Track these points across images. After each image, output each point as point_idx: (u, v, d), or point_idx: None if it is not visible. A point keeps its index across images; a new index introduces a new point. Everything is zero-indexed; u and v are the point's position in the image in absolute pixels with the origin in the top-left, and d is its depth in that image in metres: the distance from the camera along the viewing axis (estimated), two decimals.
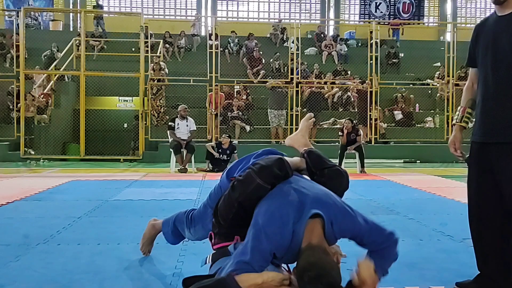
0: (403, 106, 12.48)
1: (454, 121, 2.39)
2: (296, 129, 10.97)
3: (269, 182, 2.01)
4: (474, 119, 2.34)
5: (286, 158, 2.18)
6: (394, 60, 14.66)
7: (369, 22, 17.03)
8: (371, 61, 11.90)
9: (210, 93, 11.15)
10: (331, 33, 17.57)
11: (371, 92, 11.62)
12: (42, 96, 11.31)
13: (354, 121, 8.94)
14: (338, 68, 13.38)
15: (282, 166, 2.05)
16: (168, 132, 8.77)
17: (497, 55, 2.13)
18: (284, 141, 11.03)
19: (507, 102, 2.09)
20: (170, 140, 8.66)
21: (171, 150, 8.45)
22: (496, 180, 2.17)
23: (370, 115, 11.50)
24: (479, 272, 2.33)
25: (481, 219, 2.28)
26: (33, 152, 10.33)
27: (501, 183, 2.14)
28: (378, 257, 1.91)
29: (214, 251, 2.14)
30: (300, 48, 12.54)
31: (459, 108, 2.41)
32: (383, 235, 1.95)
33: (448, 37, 13.80)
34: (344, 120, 9.10)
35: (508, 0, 2.09)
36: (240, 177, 2.09)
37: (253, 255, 1.79)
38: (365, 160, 8.44)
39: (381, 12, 20.21)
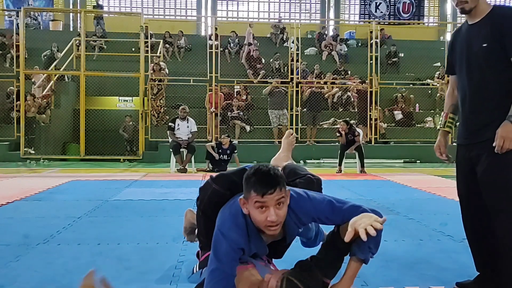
0: (403, 106, 12.48)
1: (438, 127, 2.48)
2: (297, 129, 11.12)
3: (225, 188, 2.05)
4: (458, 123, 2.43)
5: None
6: (393, 60, 14.64)
7: (369, 22, 17.03)
8: (371, 61, 11.90)
9: (210, 93, 11.17)
10: (331, 33, 17.57)
11: (371, 92, 11.63)
12: (42, 97, 11.29)
13: (350, 122, 8.93)
14: (338, 68, 13.38)
15: (242, 174, 2.07)
16: (167, 132, 8.77)
17: (470, 62, 2.21)
18: None
19: (483, 106, 2.17)
20: (170, 140, 8.66)
21: (170, 150, 8.45)
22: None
23: (370, 115, 11.50)
24: (479, 274, 2.33)
25: (474, 219, 2.30)
26: (32, 152, 10.32)
27: (479, 178, 2.18)
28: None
29: (198, 261, 2.20)
30: (300, 48, 12.55)
31: (442, 114, 2.51)
32: (349, 211, 1.90)
33: (448, 37, 13.81)
34: (340, 121, 9.11)
35: (475, 9, 2.17)
36: (201, 186, 2.17)
37: (219, 260, 1.82)
38: (365, 160, 8.43)
39: (381, 12, 20.22)
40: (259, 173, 1.79)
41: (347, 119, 9.19)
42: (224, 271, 1.81)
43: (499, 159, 2.08)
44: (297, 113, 11.31)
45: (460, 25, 2.38)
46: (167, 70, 12.08)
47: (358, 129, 8.88)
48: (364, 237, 1.71)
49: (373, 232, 1.71)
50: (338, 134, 8.57)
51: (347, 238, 1.78)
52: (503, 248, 2.12)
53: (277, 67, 13.34)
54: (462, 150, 2.31)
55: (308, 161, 10.29)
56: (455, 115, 2.44)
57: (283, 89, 11.36)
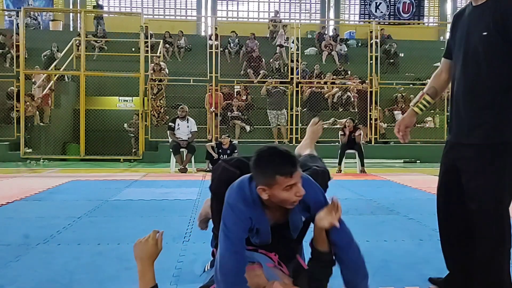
0: (403, 106, 12.47)
1: (410, 104, 2.38)
2: (297, 129, 11.05)
3: (235, 166, 2.06)
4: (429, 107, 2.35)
5: None
6: (391, 61, 14.62)
7: (369, 22, 17.03)
8: (371, 61, 11.90)
9: (209, 93, 11.16)
10: (331, 33, 17.58)
11: (371, 92, 11.62)
12: (41, 97, 11.27)
13: (355, 121, 8.94)
14: (338, 68, 13.38)
15: (251, 157, 2.08)
16: (168, 132, 8.77)
17: (468, 51, 2.07)
18: (287, 141, 11.05)
19: (475, 102, 2.05)
20: (170, 140, 8.67)
21: (170, 150, 8.45)
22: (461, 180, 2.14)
23: (370, 115, 11.50)
24: (449, 272, 2.32)
25: (448, 218, 2.26)
26: (29, 151, 10.29)
27: (464, 183, 2.11)
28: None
29: (213, 258, 2.17)
30: (300, 48, 12.55)
31: (420, 93, 2.36)
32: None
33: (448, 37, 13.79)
34: (345, 120, 9.06)
35: None
36: (213, 168, 2.19)
37: (228, 230, 1.83)
38: (365, 160, 8.43)
39: (381, 12, 20.23)
40: (278, 156, 1.78)
41: (352, 118, 9.18)
42: (233, 242, 1.82)
43: (486, 167, 2.00)
44: (297, 113, 11.32)
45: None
46: (167, 70, 12.09)
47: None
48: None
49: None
50: (341, 133, 8.56)
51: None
52: (482, 254, 2.04)
53: (277, 67, 13.34)
54: (448, 147, 2.23)
55: None
56: (432, 98, 2.27)
57: (281, 89, 11.36)
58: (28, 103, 10.62)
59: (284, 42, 14.25)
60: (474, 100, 2.05)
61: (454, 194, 2.19)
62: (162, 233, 1.81)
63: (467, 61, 2.07)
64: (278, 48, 14.11)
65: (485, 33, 1.98)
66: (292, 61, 11.95)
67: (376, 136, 11.53)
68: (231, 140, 8.89)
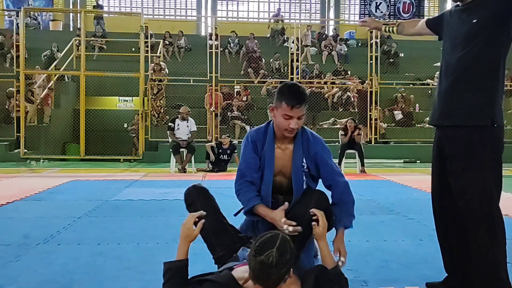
0: (403, 106, 12.48)
1: (383, 23, 2.75)
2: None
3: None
4: (392, 31, 2.69)
5: None
6: (391, 60, 14.64)
7: None
8: (371, 61, 11.90)
9: (208, 93, 11.16)
10: (331, 33, 17.59)
11: (371, 92, 11.62)
12: (41, 98, 11.27)
13: (356, 121, 8.94)
14: (338, 68, 13.39)
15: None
16: (167, 132, 8.77)
17: (457, 37, 2.10)
18: None
19: (459, 84, 2.07)
20: (170, 140, 8.66)
21: (170, 150, 8.44)
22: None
23: (370, 115, 11.50)
24: (447, 275, 2.30)
25: (443, 216, 2.24)
26: (26, 151, 10.28)
27: (450, 181, 2.11)
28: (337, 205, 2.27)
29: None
30: (300, 48, 12.55)
31: (396, 22, 2.75)
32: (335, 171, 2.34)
33: None
34: (346, 120, 9.03)
35: None
36: None
37: (242, 154, 2.36)
38: (365, 160, 8.43)
39: (381, 12, 20.24)
40: (294, 91, 2.17)
41: (353, 118, 9.17)
42: (246, 155, 2.32)
43: (471, 163, 2.01)
44: None
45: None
46: (167, 70, 12.08)
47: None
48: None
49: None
50: (342, 133, 8.55)
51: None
52: (476, 251, 2.03)
53: (277, 67, 13.34)
54: (437, 133, 2.24)
55: None
56: (398, 31, 2.62)
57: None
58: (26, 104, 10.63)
59: (305, 43, 14.23)
60: (460, 81, 2.07)
61: (445, 190, 2.18)
62: (202, 222, 2.11)
63: (456, 46, 2.10)
64: (305, 48, 13.99)
65: (474, 20, 2.03)
66: (292, 61, 11.95)
67: (376, 136, 11.53)
68: (231, 140, 8.89)
